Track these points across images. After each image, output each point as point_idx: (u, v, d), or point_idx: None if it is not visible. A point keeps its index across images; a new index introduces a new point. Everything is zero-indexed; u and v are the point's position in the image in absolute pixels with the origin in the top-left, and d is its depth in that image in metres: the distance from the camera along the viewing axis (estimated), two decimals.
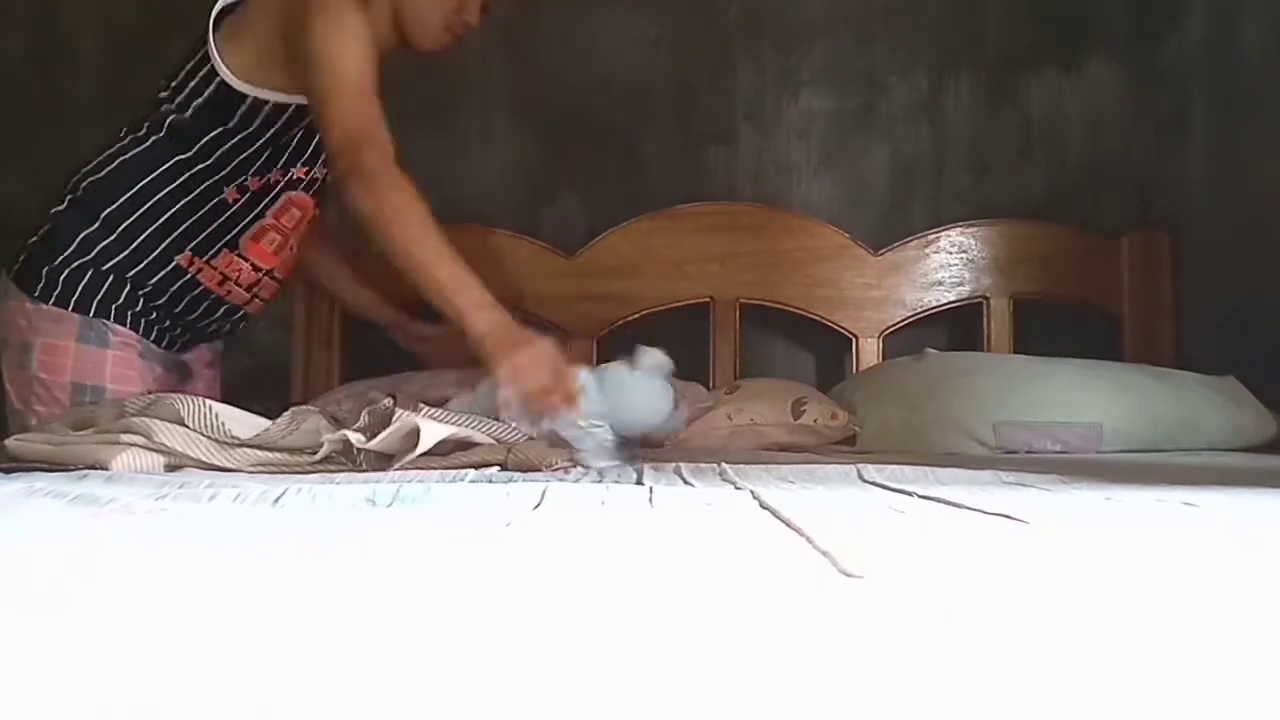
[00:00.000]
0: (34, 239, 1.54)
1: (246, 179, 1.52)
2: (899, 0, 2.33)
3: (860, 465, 1.12)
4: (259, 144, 1.51)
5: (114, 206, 1.51)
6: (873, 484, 0.96)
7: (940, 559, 0.54)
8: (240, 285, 1.60)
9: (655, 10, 2.30)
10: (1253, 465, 1.36)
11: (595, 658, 0.35)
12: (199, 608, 0.41)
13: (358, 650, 0.35)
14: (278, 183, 1.55)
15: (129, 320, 1.54)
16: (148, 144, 1.52)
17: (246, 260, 1.58)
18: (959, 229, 2.21)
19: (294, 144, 1.54)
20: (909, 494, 0.83)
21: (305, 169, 1.57)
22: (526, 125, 2.30)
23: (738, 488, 0.90)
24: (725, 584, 0.47)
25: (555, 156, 2.15)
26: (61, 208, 1.53)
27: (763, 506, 0.73)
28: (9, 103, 2.37)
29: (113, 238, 1.51)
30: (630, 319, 2.18)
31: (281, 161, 1.54)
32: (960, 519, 0.68)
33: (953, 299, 2.20)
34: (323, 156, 1.57)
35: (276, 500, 0.79)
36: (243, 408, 1.20)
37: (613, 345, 2.17)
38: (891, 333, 2.19)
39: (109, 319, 1.52)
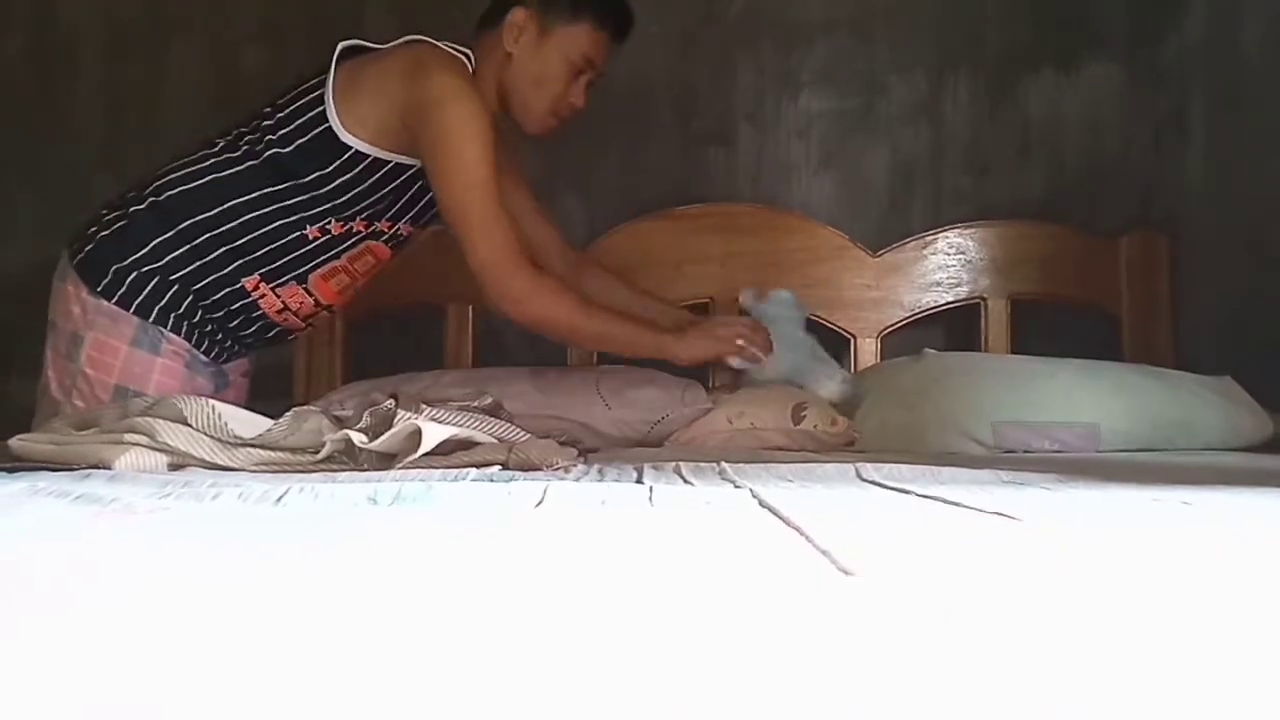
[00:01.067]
0: (103, 230, 1.53)
1: (330, 222, 1.53)
2: (899, 0, 2.33)
3: (859, 464, 1.12)
4: (351, 194, 1.52)
5: (194, 220, 1.51)
6: (871, 483, 0.96)
7: (939, 557, 0.54)
8: (298, 315, 1.61)
9: (655, 10, 2.30)
10: (1250, 465, 1.35)
11: (596, 655, 0.35)
12: (201, 607, 0.41)
13: (360, 649, 0.36)
14: (360, 231, 1.56)
15: (184, 330, 1.54)
16: (241, 168, 1.51)
17: (311, 295, 1.59)
18: (957, 230, 2.21)
19: (384, 199, 1.55)
20: (908, 493, 0.83)
21: (389, 224, 1.58)
22: None
23: (737, 486, 0.90)
24: (725, 582, 0.47)
25: (555, 157, 2.15)
26: (141, 208, 1.52)
27: (762, 505, 0.73)
28: (9, 103, 2.37)
29: (186, 249, 1.51)
30: None
31: (368, 213, 1.55)
32: (959, 517, 0.68)
33: (951, 300, 2.20)
34: (409, 215, 1.59)
35: (279, 499, 0.80)
36: (246, 408, 1.20)
37: None
38: (890, 333, 2.20)
39: (166, 327, 1.52)
